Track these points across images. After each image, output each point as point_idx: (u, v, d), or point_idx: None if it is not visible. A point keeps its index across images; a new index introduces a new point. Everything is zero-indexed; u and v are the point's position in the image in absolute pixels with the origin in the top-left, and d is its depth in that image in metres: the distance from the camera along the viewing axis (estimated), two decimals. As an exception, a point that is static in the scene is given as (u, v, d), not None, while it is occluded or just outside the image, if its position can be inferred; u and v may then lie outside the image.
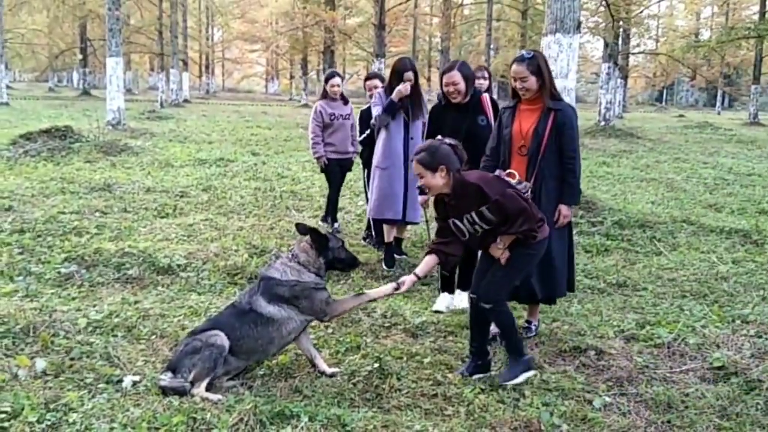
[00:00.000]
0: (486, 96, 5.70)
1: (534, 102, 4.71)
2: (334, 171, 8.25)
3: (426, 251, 4.35)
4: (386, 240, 6.85)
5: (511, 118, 4.81)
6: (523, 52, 4.76)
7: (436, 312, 5.50)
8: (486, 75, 7.24)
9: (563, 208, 4.71)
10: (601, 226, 8.37)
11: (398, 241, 7.11)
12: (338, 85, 8.15)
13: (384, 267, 6.72)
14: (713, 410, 3.88)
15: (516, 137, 4.75)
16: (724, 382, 4.22)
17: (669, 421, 3.79)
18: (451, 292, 5.77)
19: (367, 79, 8.18)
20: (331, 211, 8.36)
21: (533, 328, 5.06)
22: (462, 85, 5.39)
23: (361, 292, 4.52)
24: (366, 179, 7.68)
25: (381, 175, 6.67)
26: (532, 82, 4.62)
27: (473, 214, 4.07)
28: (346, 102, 8.29)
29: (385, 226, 6.86)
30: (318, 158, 8.17)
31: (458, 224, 4.16)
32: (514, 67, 4.67)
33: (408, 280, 4.20)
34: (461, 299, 5.60)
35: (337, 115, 8.07)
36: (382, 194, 6.64)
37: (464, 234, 4.17)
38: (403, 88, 6.34)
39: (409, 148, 6.44)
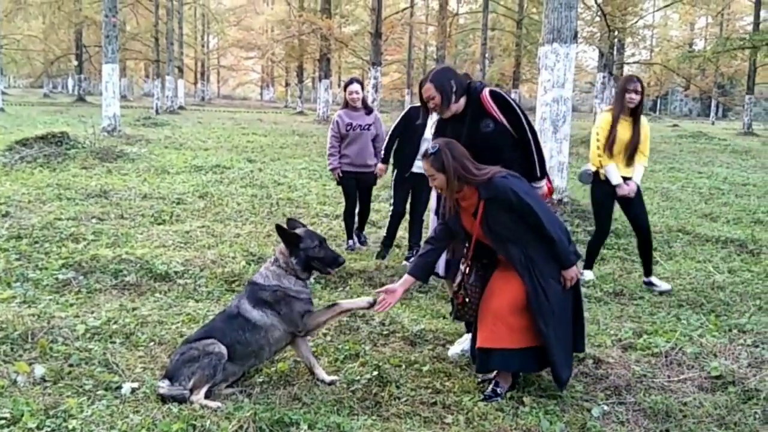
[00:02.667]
0: (486, 93, 4.43)
1: (467, 197, 4.11)
2: (349, 185, 7.74)
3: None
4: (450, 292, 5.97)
5: (457, 220, 4.25)
6: (429, 146, 4.19)
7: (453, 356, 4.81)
8: (638, 88, 6.36)
9: (563, 273, 4.06)
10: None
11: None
12: (357, 92, 7.58)
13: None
14: (711, 419, 3.90)
15: (478, 242, 4.18)
16: (722, 392, 4.24)
17: (667, 430, 3.80)
18: None
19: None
20: (347, 227, 7.94)
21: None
22: (438, 98, 4.45)
23: (334, 302, 4.41)
24: (393, 182, 7.33)
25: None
26: (441, 179, 4.07)
27: None
28: (369, 111, 7.71)
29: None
30: (332, 170, 7.76)
31: None
32: (423, 163, 4.22)
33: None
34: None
35: (354, 125, 7.55)
36: None
37: None
38: None
39: None
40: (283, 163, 15.05)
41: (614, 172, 6.44)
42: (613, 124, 6.43)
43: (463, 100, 4.47)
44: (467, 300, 4.22)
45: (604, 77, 24.43)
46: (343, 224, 8.07)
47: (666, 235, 8.65)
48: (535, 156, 4.44)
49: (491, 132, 4.40)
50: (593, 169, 6.60)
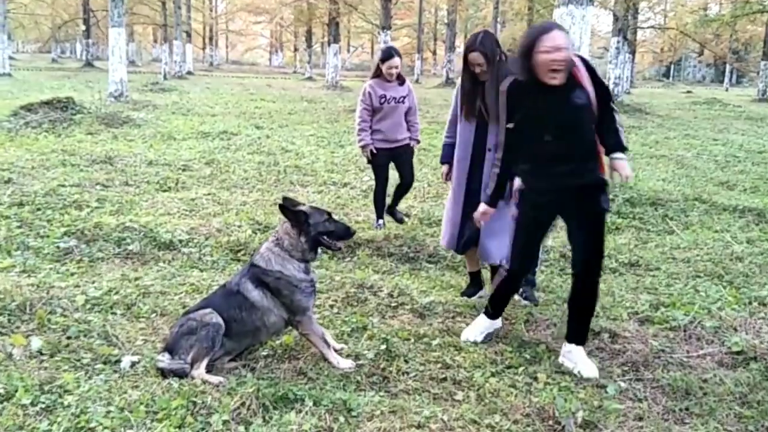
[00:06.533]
0: (578, 61, 3.90)
1: None
2: (381, 163, 7.04)
3: None
4: (469, 269, 5.43)
5: None
6: None
7: (466, 341, 4.41)
8: None
9: None
10: (612, 204, 8.18)
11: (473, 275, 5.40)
12: (397, 67, 6.74)
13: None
14: (733, 397, 3.73)
15: None
16: (744, 368, 4.07)
17: (687, 409, 3.64)
18: (495, 317, 4.52)
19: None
20: (378, 209, 7.22)
21: None
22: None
23: (328, 343, 4.03)
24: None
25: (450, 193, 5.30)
26: None
27: None
28: (402, 82, 6.93)
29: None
30: (363, 147, 6.96)
31: None
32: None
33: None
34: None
35: (389, 97, 6.80)
36: (444, 216, 5.35)
37: None
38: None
39: (484, 161, 4.89)
40: (291, 129, 14.84)
41: None
42: None
43: None
44: None
45: (618, 42, 23.92)
46: (372, 202, 7.37)
47: (682, 203, 8.42)
48: (619, 125, 3.96)
49: (583, 105, 3.85)
50: None
